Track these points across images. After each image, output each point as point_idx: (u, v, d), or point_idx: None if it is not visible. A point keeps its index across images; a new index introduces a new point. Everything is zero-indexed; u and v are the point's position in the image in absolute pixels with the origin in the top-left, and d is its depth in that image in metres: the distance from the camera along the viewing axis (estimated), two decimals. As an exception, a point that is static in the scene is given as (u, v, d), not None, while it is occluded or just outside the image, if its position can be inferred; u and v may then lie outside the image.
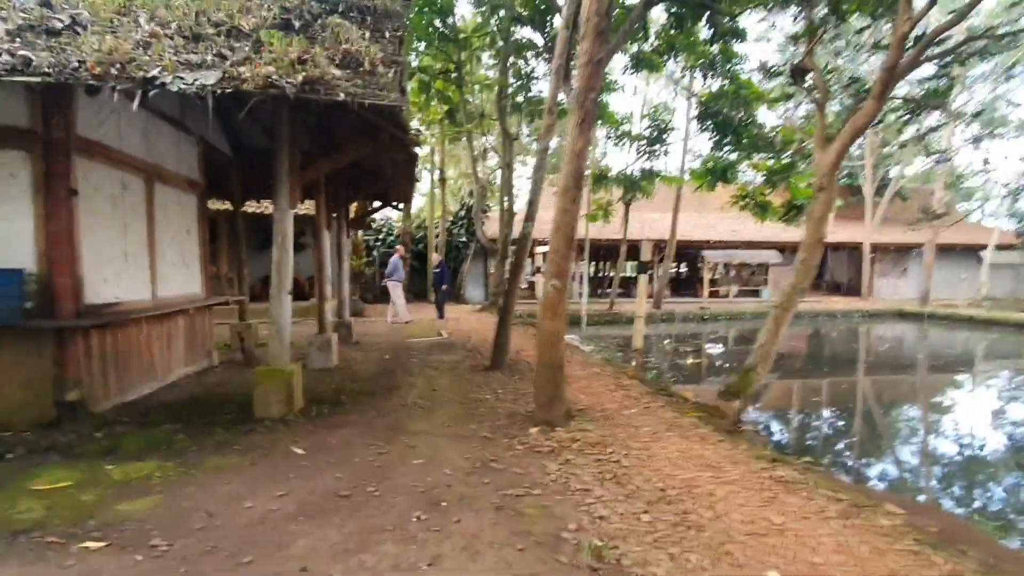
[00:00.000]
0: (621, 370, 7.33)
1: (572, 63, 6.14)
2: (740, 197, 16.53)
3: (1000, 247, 24.13)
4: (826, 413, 7.93)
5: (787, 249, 25.76)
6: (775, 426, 6.74)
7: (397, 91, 4.43)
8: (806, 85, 5.64)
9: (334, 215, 9.12)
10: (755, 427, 5.72)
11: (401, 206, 11.54)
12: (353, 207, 13.29)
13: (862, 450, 6.04)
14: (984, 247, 23.66)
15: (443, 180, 20.61)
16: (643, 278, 6.52)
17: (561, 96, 6.92)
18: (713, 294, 24.84)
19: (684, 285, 27.88)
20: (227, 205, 13.92)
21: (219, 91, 4.07)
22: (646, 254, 6.41)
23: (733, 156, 16.16)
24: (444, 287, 13.39)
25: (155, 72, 4.11)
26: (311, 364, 7.11)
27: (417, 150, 5.61)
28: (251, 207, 14.07)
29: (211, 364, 7.38)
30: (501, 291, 16.67)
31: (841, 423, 7.39)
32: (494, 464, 3.81)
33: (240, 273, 8.86)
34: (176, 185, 6.78)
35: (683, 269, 30.27)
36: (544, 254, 34.89)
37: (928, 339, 17.89)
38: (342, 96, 4.14)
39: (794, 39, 6.22)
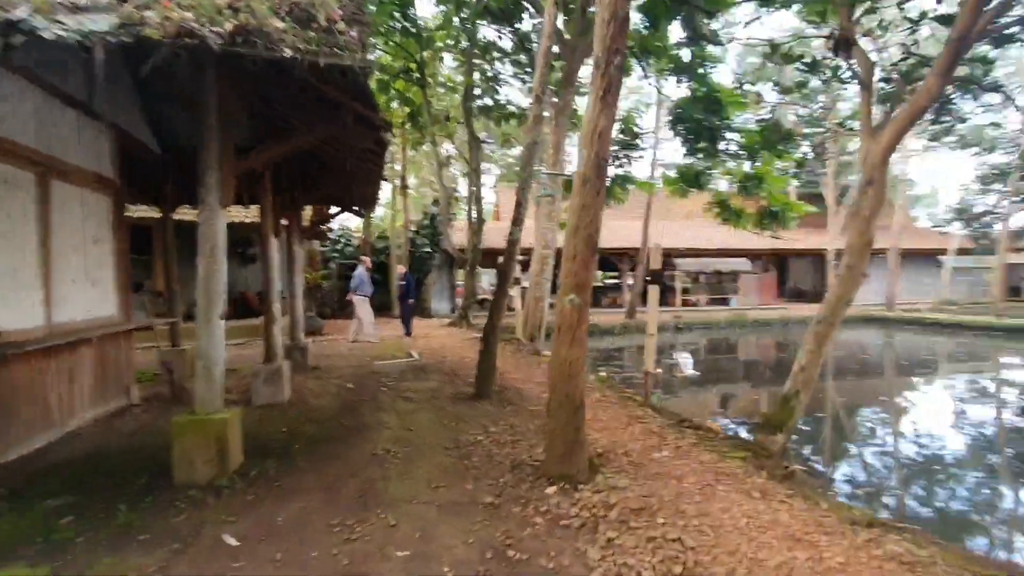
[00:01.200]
0: (626, 395, 6.36)
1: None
2: (714, 204, 16.05)
3: (961, 251, 24.77)
4: (853, 431, 7.23)
5: (756, 257, 25.74)
6: (809, 452, 5.90)
7: (360, 53, 3.37)
8: (851, 61, 4.90)
9: (284, 221, 7.86)
10: (798, 463, 4.85)
11: (363, 212, 10.34)
12: (307, 213, 11.94)
13: (930, 489, 5.28)
14: (943, 252, 24.23)
15: (405, 187, 19.39)
16: (654, 290, 5.59)
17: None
18: (684, 303, 24.47)
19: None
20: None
21: (114, 41, 2.92)
22: (655, 261, 5.46)
23: (707, 163, 15.74)
24: (410, 300, 12.19)
25: (22, 14, 2.91)
26: (257, 399, 5.84)
27: (388, 137, 4.51)
28: (188, 214, 12.52)
29: (129, 403, 5.98)
30: (471, 303, 15.58)
31: (877, 445, 6.68)
32: (511, 551, 2.74)
33: (170, 290, 7.45)
34: (81, 183, 5.44)
35: (648, 278, 29.96)
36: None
37: (904, 344, 17.83)
38: (287, 52, 3.06)
39: (820, 14, 5.54)
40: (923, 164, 48.32)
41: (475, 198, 15.04)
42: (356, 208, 8.46)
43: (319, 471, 3.89)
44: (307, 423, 5.16)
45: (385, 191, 27.25)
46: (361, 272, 11.41)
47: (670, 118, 14.83)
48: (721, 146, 14.33)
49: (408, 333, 12.20)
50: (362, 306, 11.25)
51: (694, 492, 3.43)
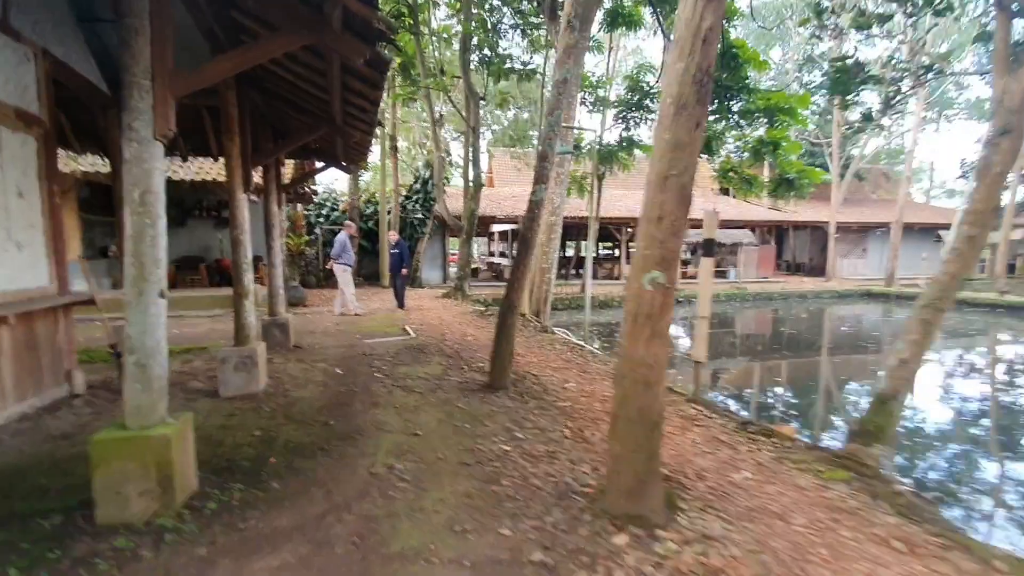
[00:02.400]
0: (670, 388, 5.39)
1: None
2: (724, 171, 14.98)
3: (958, 227, 24.07)
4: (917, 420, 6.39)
5: (757, 228, 24.87)
6: (900, 462, 5.02)
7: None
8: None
9: (259, 175, 6.66)
10: (894, 477, 3.97)
11: (351, 169, 9.07)
12: (288, 170, 10.65)
13: None
14: (944, 227, 23.55)
15: (395, 149, 17.96)
16: (707, 262, 4.58)
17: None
18: (685, 275, 23.63)
19: (648, 265, 26.64)
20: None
21: None
22: (709, 230, 4.45)
23: (719, 126, 14.65)
24: (404, 271, 11.06)
25: None
26: (226, 390, 4.78)
27: (387, 54, 3.35)
28: (167, 168, 11.15)
29: (71, 392, 4.88)
30: (467, 274, 14.50)
31: (949, 439, 5.86)
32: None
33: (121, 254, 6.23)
34: (9, 124, 4.22)
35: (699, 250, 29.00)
36: (501, 233, 32.74)
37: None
38: None
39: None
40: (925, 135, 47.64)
41: (473, 160, 13.76)
42: (344, 163, 7.24)
43: (300, 502, 2.87)
44: (286, 423, 4.12)
45: (374, 154, 25.69)
46: (343, 238, 10.22)
47: None
48: (736, 108, 13.20)
49: (401, 305, 11.13)
50: (343, 275, 10.11)
51: (815, 542, 2.49)
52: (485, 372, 5.67)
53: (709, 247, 4.68)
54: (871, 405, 3.79)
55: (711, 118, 13.66)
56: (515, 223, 24.60)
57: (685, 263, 23.21)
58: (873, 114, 5.87)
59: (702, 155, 14.15)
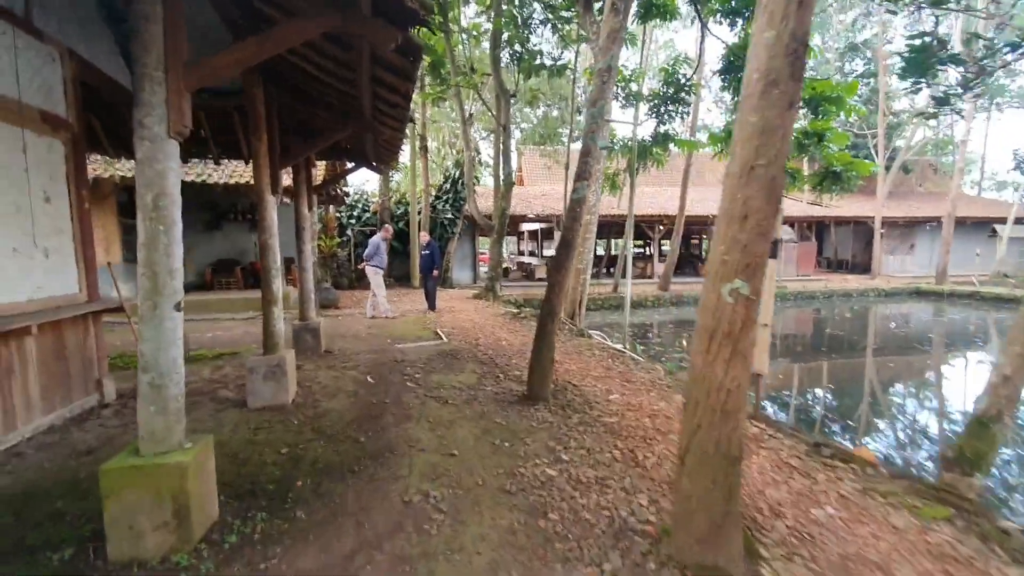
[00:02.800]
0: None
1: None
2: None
3: (1019, 220, 22.58)
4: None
5: (796, 224, 23.82)
6: (995, 490, 4.46)
7: None
8: None
9: (289, 177, 6.46)
10: (999, 513, 3.45)
11: (381, 169, 8.81)
12: (320, 172, 10.53)
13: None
14: (999, 220, 22.11)
15: (425, 149, 17.78)
16: (770, 264, 4.11)
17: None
18: (716, 273, 22.84)
19: (683, 264, 25.86)
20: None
21: None
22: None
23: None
24: (435, 272, 10.81)
25: None
26: (254, 401, 4.56)
27: (419, 42, 3.04)
28: (191, 173, 11.17)
29: (101, 401, 4.75)
30: (498, 275, 14.18)
31: None
32: None
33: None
34: (18, 122, 4.07)
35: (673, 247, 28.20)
36: (531, 232, 32.35)
37: (975, 323, 16.02)
38: None
39: None
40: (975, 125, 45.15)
41: (503, 158, 13.44)
42: (374, 164, 7.00)
43: (327, 535, 2.58)
44: (315, 438, 3.86)
45: (404, 154, 25.68)
46: (377, 240, 10.02)
47: (720, 67, 12.94)
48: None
49: (432, 307, 10.88)
50: (375, 278, 9.92)
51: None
52: (522, 382, 5.32)
53: (773, 247, 4.21)
54: (968, 427, 3.28)
55: None
56: (546, 222, 24.19)
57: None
58: (949, 98, 5.27)
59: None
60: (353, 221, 18.14)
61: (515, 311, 10.91)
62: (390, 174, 17.95)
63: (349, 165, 7.57)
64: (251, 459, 3.48)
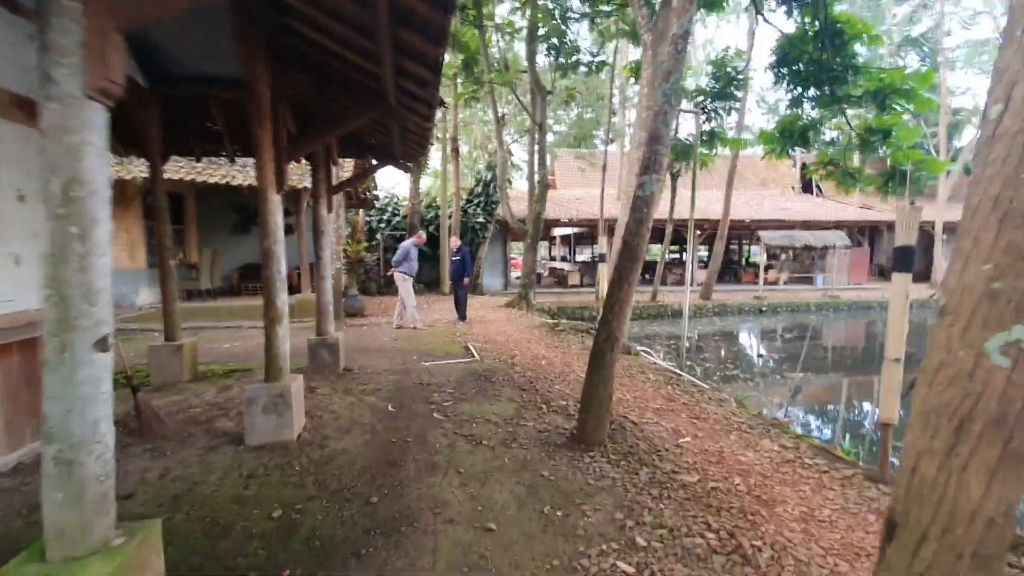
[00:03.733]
0: (829, 452, 3.91)
1: None
2: (821, 164, 12.94)
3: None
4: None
5: (845, 229, 22.19)
6: None
7: None
8: None
9: (297, 171, 5.72)
10: None
11: (407, 166, 7.97)
12: (349, 169, 9.82)
13: None
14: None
15: (456, 151, 17.08)
16: (901, 279, 3.10)
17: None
18: (764, 281, 21.41)
19: (721, 271, 24.50)
20: (186, 172, 10.49)
21: None
22: (907, 234, 2.97)
23: (816, 114, 12.72)
24: (466, 279, 9.99)
25: None
26: (252, 437, 3.78)
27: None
28: (215, 175, 10.66)
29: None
30: (532, 282, 13.29)
31: None
32: None
33: (163, 265, 5.49)
34: (5, 114, 3.45)
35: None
36: (563, 236, 31.35)
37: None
38: None
39: None
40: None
41: (539, 158, 12.56)
42: (401, 161, 6.22)
43: None
44: (317, 495, 3.04)
45: (434, 159, 25.02)
46: (408, 245, 9.27)
47: (773, 60, 11.76)
48: (840, 92, 11.27)
49: (462, 317, 10.07)
50: (403, 285, 9.16)
51: None
52: (569, 415, 4.42)
53: (906, 257, 3.19)
54: None
55: (807, 105, 11.82)
56: (579, 227, 23.21)
57: (767, 267, 20.97)
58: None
59: (793, 149, 12.17)
60: (383, 225, 17.56)
61: (551, 322, 10.00)
62: (420, 176, 17.29)
63: (374, 163, 6.80)
64: (233, 528, 2.68)
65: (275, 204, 3.89)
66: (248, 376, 5.86)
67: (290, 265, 10.95)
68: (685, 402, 4.95)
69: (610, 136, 17.54)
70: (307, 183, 10.34)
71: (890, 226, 22.85)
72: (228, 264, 12.99)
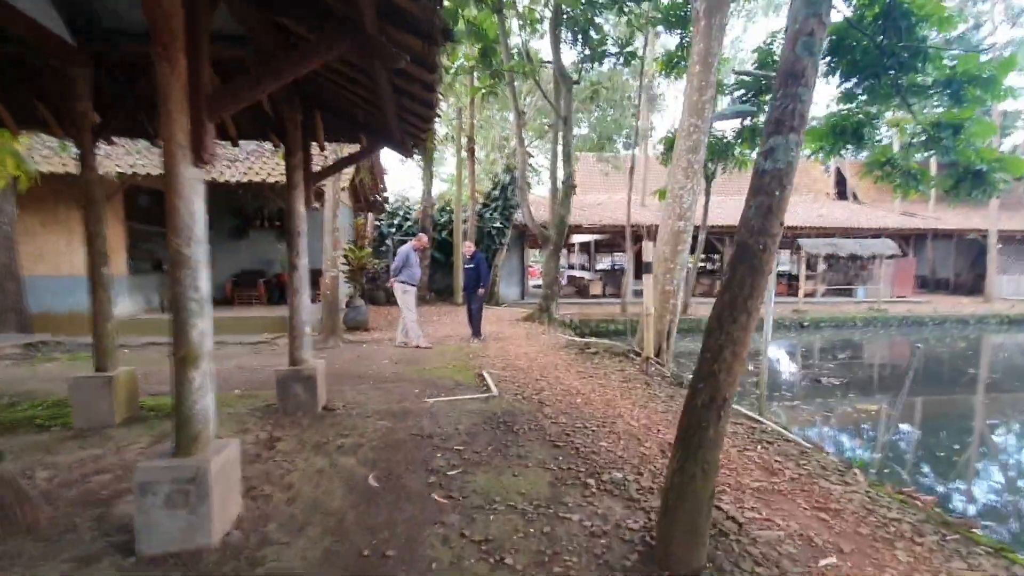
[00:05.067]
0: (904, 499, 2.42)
1: None
2: (877, 164, 11.26)
3: None
4: None
5: (876, 235, 20.28)
6: None
7: None
8: None
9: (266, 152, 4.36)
10: None
11: (406, 151, 6.40)
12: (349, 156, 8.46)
13: None
14: None
15: (472, 151, 15.74)
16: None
17: None
18: (796, 292, 19.65)
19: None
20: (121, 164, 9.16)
21: None
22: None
23: (874, 107, 11.13)
24: (480, 289, 8.56)
25: None
26: (147, 544, 2.38)
27: None
28: (209, 171, 9.42)
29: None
30: (555, 293, 11.82)
31: None
32: None
33: (94, 274, 4.15)
34: None
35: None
36: (582, 244, 29.80)
37: None
38: None
39: None
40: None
41: (563, 156, 11.12)
42: (401, 141, 4.83)
43: None
44: None
45: (448, 163, 23.74)
46: (407, 250, 7.88)
47: (825, 47, 10.18)
48: (905, 81, 9.67)
49: (476, 334, 8.64)
50: (404, 298, 7.78)
51: None
52: (631, 500, 2.95)
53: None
54: None
55: (861, 97, 10.23)
56: (601, 233, 21.69)
57: (794, 277, 19.18)
58: None
59: (846, 147, 10.48)
60: (393, 230, 16.27)
61: (579, 342, 8.51)
62: (430, 164, 15.94)
63: (369, 151, 5.40)
64: None
65: (189, 183, 2.50)
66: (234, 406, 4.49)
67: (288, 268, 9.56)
68: (792, 474, 3.44)
69: (636, 138, 16.07)
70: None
71: (936, 234, 20.96)
72: (222, 272, 11.75)
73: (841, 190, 24.77)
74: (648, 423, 4.36)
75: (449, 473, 3.29)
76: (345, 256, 10.12)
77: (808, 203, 22.59)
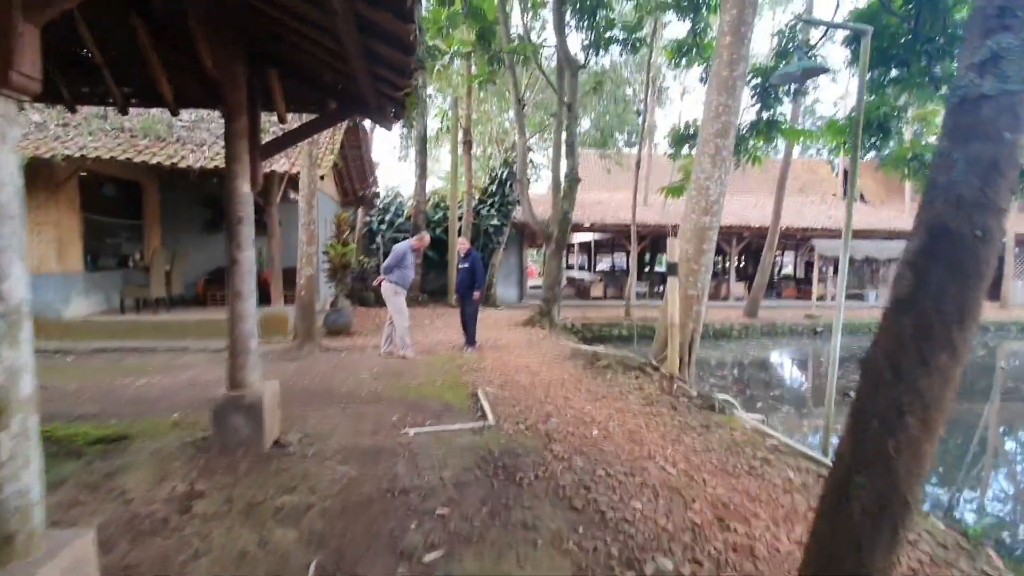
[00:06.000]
0: None
1: None
2: (903, 160, 10.29)
3: None
4: None
5: (900, 238, 19.37)
6: None
7: None
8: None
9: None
10: None
11: (383, 120, 5.27)
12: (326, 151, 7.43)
13: None
14: None
15: (468, 143, 14.73)
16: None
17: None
18: (804, 295, 18.72)
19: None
20: (141, 152, 8.01)
21: None
22: None
23: (903, 98, 10.28)
24: (476, 292, 7.55)
25: None
26: None
27: None
28: (181, 155, 8.32)
29: None
30: (556, 296, 10.82)
31: None
32: None
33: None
34: None
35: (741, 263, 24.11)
36: (582, 243, 28.78)
37: None
38: None
39: None
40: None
41: (568, 147, 10.13)
42: (377, 109, 3.82)
43: None
44: None
45: (443, 160, 22.70)
46: (404, 248, 6.88)
47: (849, 34, 9.28)
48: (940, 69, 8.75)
49: (471, 342, 7.63)
50: (393, 301, 6.78)
51: None
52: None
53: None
54: None
55: (892, 84, 9.29)
56: (603, 232, 20.71)
57: (802, 281, 18.23)
58: None
59: (872, 139, 9.57)
60: (384, 226, 15.24)
61: (586, 350, 7.50)
62: (427, 171, 14.94)
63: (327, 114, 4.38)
64: None
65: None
66: (117, 451, 3.48)
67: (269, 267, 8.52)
68: (911, 564, 2.45)
69: (643, 132, 15.09)
70: (277, 166, 8.01)
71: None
72: (194, 269, 10.71)
73: (847, 191, 23.87)
74: (687, 467, 3.37)
75: (426, 559, 2.29)
76: (326, 253, 9.10)
77: (816, 203, 21.68)
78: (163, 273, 9.17)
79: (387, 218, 15.54)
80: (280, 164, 7.99)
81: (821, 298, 17.56)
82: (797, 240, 18.48)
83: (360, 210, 15.26)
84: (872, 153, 11.12)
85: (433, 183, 22.02)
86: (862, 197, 22.96)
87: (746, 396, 8.33)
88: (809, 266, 21.70)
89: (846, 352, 12.72)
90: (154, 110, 8.94)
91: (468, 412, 4.51)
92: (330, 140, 9.17)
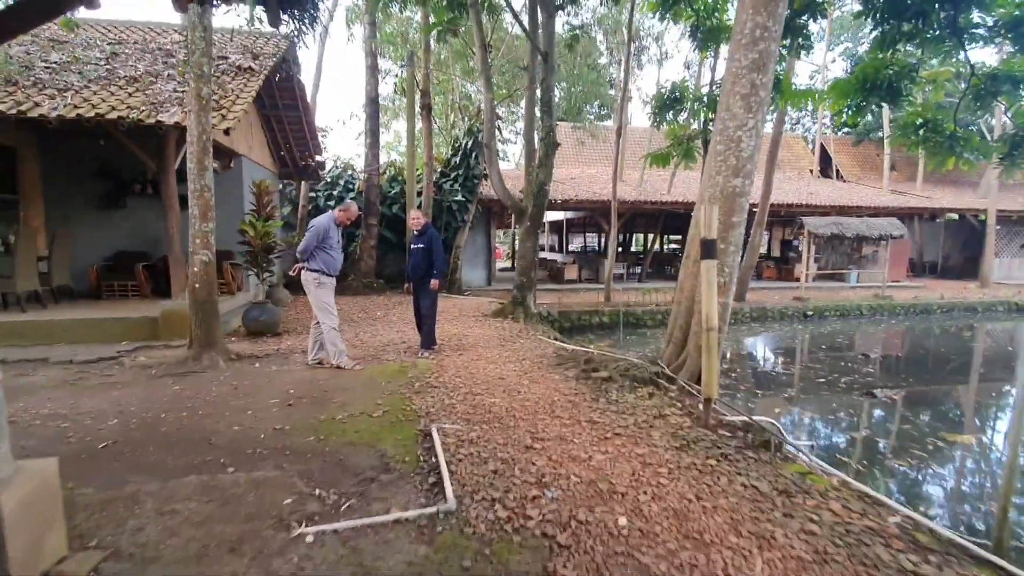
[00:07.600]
0: None
1: None
2: (913, 127, 9.00)
3: None
4: None
5: (882, 216, 18.58)
6: None
7: None
8: None
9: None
10: None
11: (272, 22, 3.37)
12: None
13: None
14: None
15: (428, 107, 12.78)
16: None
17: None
18: (786, 276, 17.77)
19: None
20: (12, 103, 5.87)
21: None
22: None
23: (918, 55, 9.08)
24: (433, 279, 5.83)
25: None
26: None
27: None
28: (65, 106, 6.14)
29: None
30: (532, 281, 9.19)
31: None
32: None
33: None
34: None
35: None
36: (553, 223, 27.10)
37: None
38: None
39: None
40: None
41: (543, 105, 8.39)
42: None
43: None
44: None
45: (399, 127, 20.51)
46: (325, 223, 5.08)
47: None
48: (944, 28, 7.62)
49: (427, 344, 5.93)
50: (316, 295, 5.04)
51: None
52: None
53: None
54: None
55: (905, 40, 8.02)
56: (577, 210, 19.16)
57: (782, 260, 17.25)
58: None
59: (879, 103, 8.22)
60: (332, 202, 13.21)
61: (576, 353, 5.91)
62: (379, 138, 12.97)
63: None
64: None
65: None
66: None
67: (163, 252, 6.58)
68: None
69: (623, 97, 13.45)
70: (164, 115, 6.01)
71: (935, 214, 19.38)
72: (88, 254, 8.55)
73: (825, 168, 23.07)
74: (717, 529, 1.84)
75: None
76: (243, 232, 7.16)
77: (794, 180, 20.72)
78: (34, 261, 7.07)
79: (336, 192, 13.51)
80: (171, 115, 5.98)
81: (797, 279, 16.58)
82: (782, 217, 17.39)
83: (304, 184, 13.17)
84: (846, 129, 9.82)
85: (390, 158, 19.90)
86: (839, 174, 22.15)
87: (768, 404, 6.98)
88: (786, 245, 20.81)
89: (845, 338, 11.68)
90: (4, 46, 6.74)
91: (414, 475, 2.85)
92: (243, 85, 7.15)
